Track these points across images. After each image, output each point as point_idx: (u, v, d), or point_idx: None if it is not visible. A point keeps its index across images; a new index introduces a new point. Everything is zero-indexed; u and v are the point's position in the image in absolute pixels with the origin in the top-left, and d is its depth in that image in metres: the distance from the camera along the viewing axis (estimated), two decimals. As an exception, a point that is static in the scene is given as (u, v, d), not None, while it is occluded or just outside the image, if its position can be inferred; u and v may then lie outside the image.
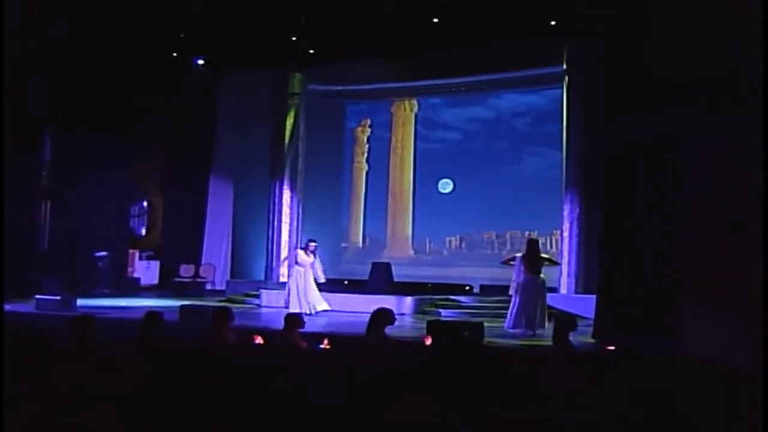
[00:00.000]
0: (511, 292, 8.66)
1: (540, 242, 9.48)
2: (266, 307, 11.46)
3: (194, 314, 8.79)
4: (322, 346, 5.75)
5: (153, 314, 5.59)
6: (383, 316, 5.28)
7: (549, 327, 8.78)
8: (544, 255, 9.06)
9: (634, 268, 7.92)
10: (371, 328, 5.25)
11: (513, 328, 8.54)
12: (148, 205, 15.52)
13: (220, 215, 14.70)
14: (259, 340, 5.84)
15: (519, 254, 8.83)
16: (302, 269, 10.35)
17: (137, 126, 13.83)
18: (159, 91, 13.85)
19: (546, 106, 13.39)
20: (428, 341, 5.98)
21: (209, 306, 9.56)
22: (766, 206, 4.62)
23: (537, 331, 8.52)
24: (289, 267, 10.66)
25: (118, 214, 14.11)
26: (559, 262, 9.58)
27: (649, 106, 7.73)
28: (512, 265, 8.79)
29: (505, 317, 8.73)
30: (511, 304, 8.64)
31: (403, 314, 10.53)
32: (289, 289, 10.32)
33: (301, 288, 10.22)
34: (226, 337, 5.45)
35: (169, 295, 12.98)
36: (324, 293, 10.23)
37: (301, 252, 10.49)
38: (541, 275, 8.67)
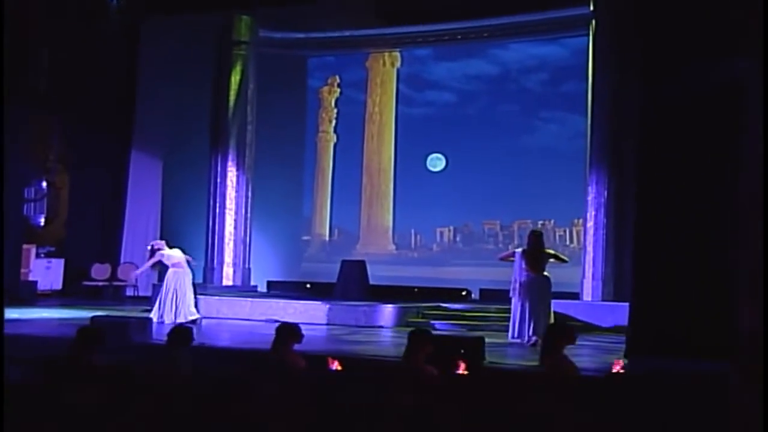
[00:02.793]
0: (512, 294, 9.16)
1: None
2: (205, 317, 11.35)
3: (110, 329, 8.59)
4: (460, 371, 5.85)
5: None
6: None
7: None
8: (548, 250, 9.49)
9: (679, 269, 7.90)
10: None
11: (517, 337, 8.95)
12: (49, 186, 15.36)
13: (144, 200, 14.63)
14: (336, 365, 5.90)
15: (519, 249, 9.38)
16: (181, 270, 10.64)
17: (33, 82, 13.63)
18: (62, 36, 13.60)
19: (566, 59, 13.48)
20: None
21: (130, 318, 9.52)
22: (766, 206, 4.59)
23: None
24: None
25: (7, 198, 13.65)
26: (567, 258, 9.96)
27: (702, 56, 7.66)
28: (512, 261, 9.28)
29: (507, 328, 9.12)
30: (512, 309, 9.13)
31: (381, 327, 10.65)
32: (164, 297, 10.54)
33: (180, 292, 10.49)
34: (293, 361, 5.52)
35: (77, 303, 12.86)
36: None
37: (169, 250, 10.74)
38: (546, 273, 9.12)
